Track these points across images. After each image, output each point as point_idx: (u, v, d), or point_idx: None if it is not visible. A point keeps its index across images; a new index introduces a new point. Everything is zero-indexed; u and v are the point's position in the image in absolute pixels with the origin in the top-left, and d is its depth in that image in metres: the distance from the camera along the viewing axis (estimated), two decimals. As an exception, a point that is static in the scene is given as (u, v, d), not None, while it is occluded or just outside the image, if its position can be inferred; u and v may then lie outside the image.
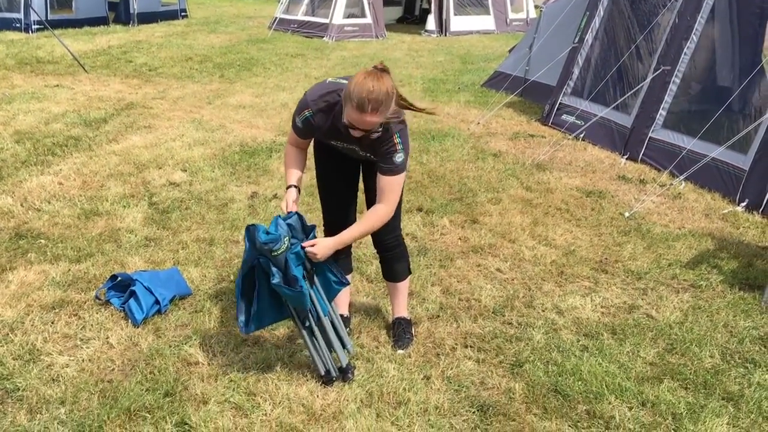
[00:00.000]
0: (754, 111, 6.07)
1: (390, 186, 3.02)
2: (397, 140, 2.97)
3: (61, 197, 5.23)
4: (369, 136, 2.93)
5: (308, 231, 3.06)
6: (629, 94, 7.05)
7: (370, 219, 3.06)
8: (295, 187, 3.19)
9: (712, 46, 7.09)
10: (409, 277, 3.57)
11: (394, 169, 3.00)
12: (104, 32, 15.34)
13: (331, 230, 3.35)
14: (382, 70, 2.82)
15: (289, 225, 2.99)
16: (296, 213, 3.07)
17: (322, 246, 2.99)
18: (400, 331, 3.53)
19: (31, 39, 13.52)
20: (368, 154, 3.11)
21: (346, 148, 3.16)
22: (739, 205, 5.57)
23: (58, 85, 9.33)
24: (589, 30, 7.92)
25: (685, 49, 6.55)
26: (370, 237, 3.35)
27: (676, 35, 6.68)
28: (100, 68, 10.99)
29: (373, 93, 2.73)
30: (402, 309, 3.61)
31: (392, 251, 3.44)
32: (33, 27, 14.31)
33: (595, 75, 7.88)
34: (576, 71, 8.04)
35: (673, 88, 6.63)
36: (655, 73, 6.75)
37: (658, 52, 6.87)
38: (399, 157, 2.99)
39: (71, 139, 6.71)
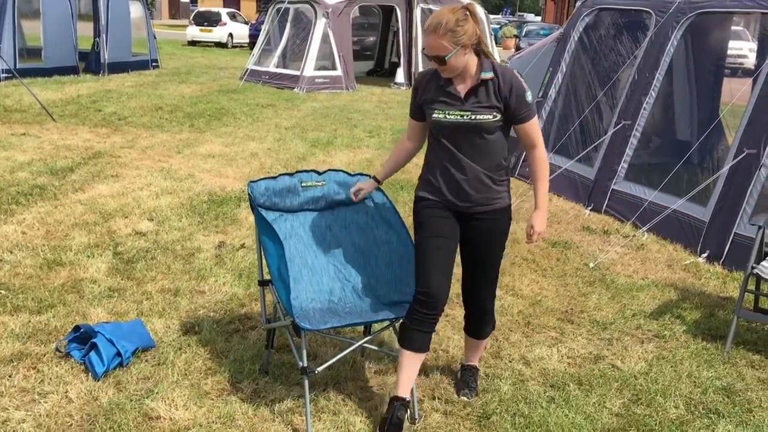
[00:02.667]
0: (712, 164, 6.26)
1: (535, 129, 3.14)
2: (521, 79, 3.07)
3: (24, 247, 5.14)
4: (472, 82, 3.03)
5: None
6: (591, 147, 7.22)
7: (540, 169, 3.18)
8: (377, 180, 3.50)
9: (671, 102, 7.34)
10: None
11: (532, 111, 3.10)
12: (74, 81, 15.32)
13: (425, 306, 3.11)
14: (465, 8, 2.97)
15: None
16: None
17: (538, 224, 3.17)
18: (472, 379, 3.60)
19: (-2, 87, 13.45)
20: (474, 117, 3.02)
21: (451, 118, 3.05)
22: (700, 256, 5.69)
23: (24, 134, 9.26)
24: (553, 85, 8.15)
25: (644, 104, 6.77)
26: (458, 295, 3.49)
27: (635, 91, 6.90)
28: (68, 117, 10.94)
29: (437, 15, 2.93)
30: (477, 358, 3.69)
31: (487, 315, 3.46)
32: (1, 75, 14.24)
33: (558, 128, 8.07)
34: (540, 125, 8.23)
35: (633, 141, 6.81)
36: (616, 128, 6.95)
37: (619, 106, 7.08)
38: (529, 95, 3.08)
39: (36, 188, 6.63)
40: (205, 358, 3.72)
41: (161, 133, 10.04)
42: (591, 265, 5.45)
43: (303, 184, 3.53)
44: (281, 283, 3.15)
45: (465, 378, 3.61)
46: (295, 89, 15.89)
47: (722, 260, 5.56)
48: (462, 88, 3.05)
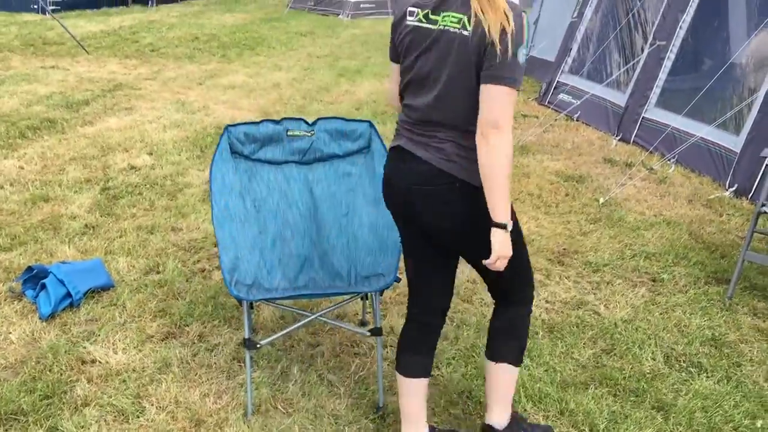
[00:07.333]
0: (747, 89, 5.65)
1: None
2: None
3: (17, 182, 5.14)
4: None
5: None
6: (622, 70, 6.66)
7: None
8: None
9: (709, 20, 6.63)
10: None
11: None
12: (121, 12, 15.35)
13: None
14: None
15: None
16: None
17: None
18: None
19: (45, 20, 13.57)
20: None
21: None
22: (727, 190, 5.20)
23: (54, 67, 9.29)
24: (588, 3, 7.51)
25: (680, 23, 6.13)
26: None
27: (671, 7, 6.25)
28: (104, 49, 10.94)
29: None
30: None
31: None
32: (48, 8, 14.36)
33: (595, 51, 7.47)
34: (574, 47, 7.65)
35: (667, 64, 6.23)
36: (650, 48, 6.35)
37: (654, 26, 6.45)
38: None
39: (46, 122, 6.63)
40: (160, 299, 3.62)
41: (189, 64, 9.91)
42: (600, 200, 5.05)
43: (289, 134, 3.15)
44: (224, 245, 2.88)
45: None
46: (340, 15, 15.44)
47: (750, 195, 5.06)
48: None
